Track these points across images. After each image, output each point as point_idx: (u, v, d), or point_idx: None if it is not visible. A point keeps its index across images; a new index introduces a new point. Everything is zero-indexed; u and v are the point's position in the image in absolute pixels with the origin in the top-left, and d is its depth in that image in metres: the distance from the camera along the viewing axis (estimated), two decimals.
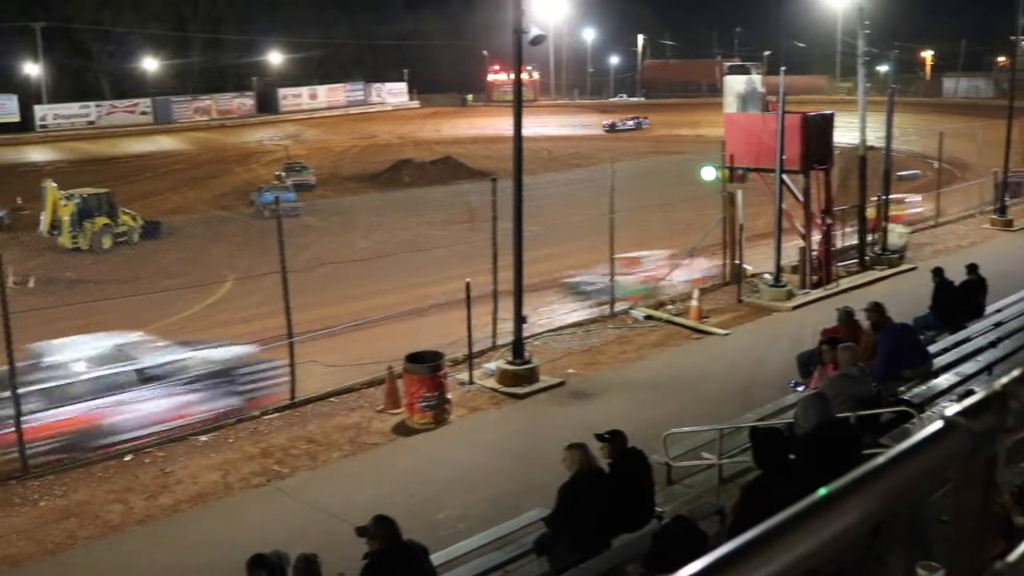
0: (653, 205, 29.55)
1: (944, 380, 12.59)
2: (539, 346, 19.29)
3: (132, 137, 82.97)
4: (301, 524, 12.08)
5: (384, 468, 14.17)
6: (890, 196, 26.60)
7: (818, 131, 22.53)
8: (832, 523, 1.52)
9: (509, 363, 17.44)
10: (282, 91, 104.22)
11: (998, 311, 16.75)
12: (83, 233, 37.05)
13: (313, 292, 21.19)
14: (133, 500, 13.16)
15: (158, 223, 40.13)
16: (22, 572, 11.43)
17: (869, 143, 26.24)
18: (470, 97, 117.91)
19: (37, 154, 73.75)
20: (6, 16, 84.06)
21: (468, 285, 17.40)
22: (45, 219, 37.63)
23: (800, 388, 13.27)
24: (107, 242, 37.35)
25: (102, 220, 37.68)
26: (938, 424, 1.70)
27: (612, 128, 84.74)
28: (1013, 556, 1.86)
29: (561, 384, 17.36)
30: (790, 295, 22.31)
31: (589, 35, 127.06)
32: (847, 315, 14.09)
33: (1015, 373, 1.83)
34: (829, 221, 23.14)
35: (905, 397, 11.66)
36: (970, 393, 2.34)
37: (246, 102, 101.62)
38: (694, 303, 21.29)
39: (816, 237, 23.14)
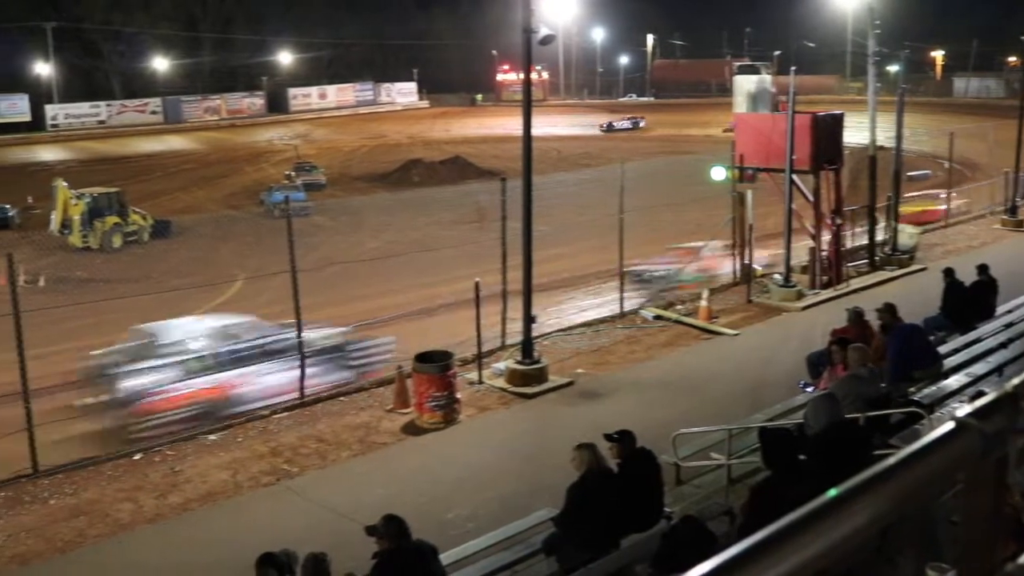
0: (663, 205, 29.53)
1: (954, 381, 12.55)
2: (548, 346, 19.28)
3: (142, 136, 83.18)
4: (310, 523, 12.08)
5: (393, 467, 14.17)
6: (924, 192, 26.67)
7: (828, 131, 22.47)
8: (842, 524, 1.51)
9: (518, 363, 17.43)
10: (292, 91, 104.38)
11: (1008, 312, 16.68)
12: (93, 232, 37.15)
13: (323, 292, 21.23)
14: (143, 498, 13.18)
15: (168, 222, 40.25)
16: (32, 570, 11.46)
17: (879, 143, 26.17)
18: (479, 97, 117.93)
19: (48, 153, 73.98)
20: (17, 16, 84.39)
21: (477, 285, 17.40)
22: (56, 218, 37.75)
23: (809, 389, 13.23)
24: (117, 241, 37.44)
25: (112, 219, 37.78)
26: (949, 425, 1.69)
27: (609, 128, 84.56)
28: None
29: (570, 384, 17.35)
30: (800, 295, 22.26)
31: (599, 35, 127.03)
32: (857, 315, 14.05)
33: None
34: (839, 221, 23.08)
35: (915, 398, 11.62)
36: (981, 394, 2.33)
37: (256, 102, 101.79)
38: (703, 303, 21.26)
39: (826, 237, 23.08)
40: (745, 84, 23.23)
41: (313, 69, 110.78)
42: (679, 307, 22.06)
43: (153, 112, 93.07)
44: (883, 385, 11.49)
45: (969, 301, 16.37)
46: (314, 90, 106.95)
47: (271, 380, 16.44)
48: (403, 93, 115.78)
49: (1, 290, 15.82)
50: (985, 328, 15.51)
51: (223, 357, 16.36)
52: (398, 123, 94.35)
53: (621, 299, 22.04)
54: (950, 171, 35.22)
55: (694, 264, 23.84)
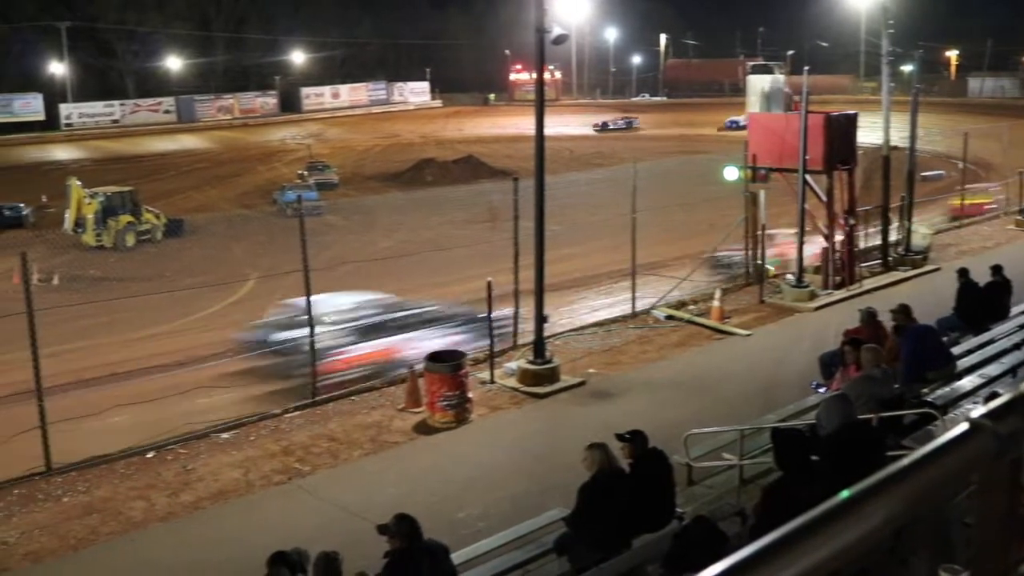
0: (675, 205, 29.50)
1: (968, 382, 12.50)
2: (560, 346, 19.27)
3: (156, 136, 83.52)
4: (322, 522, 12.10)
5: (405, 466, 14.18)
6: (974, 185, 26.73)
7: (841, 131, 22.41)
8: (856, 526, 1.51)
9: (530, 362, 17.42)
10: (305, 90, 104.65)
11: (1023, 313, 16.61)
12: (107, 231, 37.29)
13: (335, 291, 21.22)
14: (155, 497, 13.21)
15: (181, 221, 40.38)
16: (45, 568, 11.50)
17: (893, 143, 26.08)
18: (492, 96, 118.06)
19: (62, 152, 74.31)
20: (32, 16, 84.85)
21: (489, 284, 17.40)
22: (69, 217, 37.90)
23: (822, 389, 13.20)
24: (131, 240, 37.57)
25: (126, 218, 37.92)
26: (964, 426, 1.69)
27: (604, 127, 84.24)
28: None
29: (582, 384, 17.33)
30: (812, 296, 22.21)
31: (611, 34, 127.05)
32: (870, 316, 14.01)
33: None
34: (852, 221, 23.02)
35: (928, 399, 11.58)
36: (995, 395, 2.32)
37: (269, 101, 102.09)
38: (716, 303, 21.23)
39: (839, 237, 23.02)
40: (759, 84, 23.18)
41: (326, 68, 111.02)
42: (691, 307, 22.03)
43: (166, 111, 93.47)
44: (896, 386, 11.45)
45: (983, 302, 16.30)
46: (327, 89, 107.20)
47: (427, 346, 17.56)
48: (416, 92, 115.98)
49: (15, 288, 15.90)
50: (999, 329, 15.44)
51: (381, 325, 18.53)
52: (411, 122, 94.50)
53: (633, 299, 22.02)
54: (964, 171, 35.10)
55: (770, 250, 23.95)
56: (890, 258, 25.11)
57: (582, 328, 20.89)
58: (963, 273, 16.73)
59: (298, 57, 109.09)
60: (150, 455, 14.52)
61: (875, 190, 26.23)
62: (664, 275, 24.58)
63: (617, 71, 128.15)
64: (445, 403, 15.46)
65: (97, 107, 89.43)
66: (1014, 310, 16.70)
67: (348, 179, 55.82)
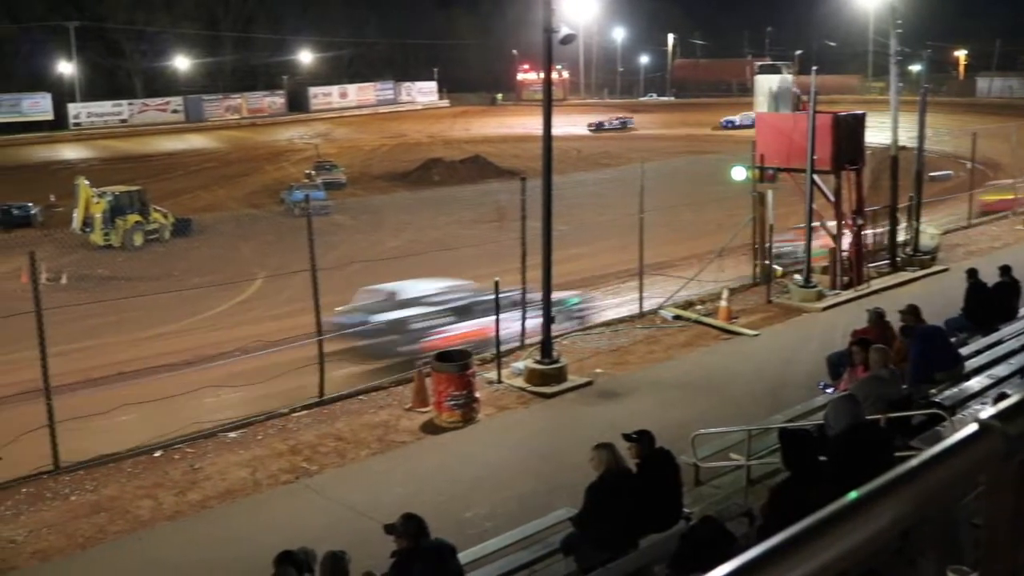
0: (683, 205, 29.47)
1: (976, 383, 12.47)
2: (567, 345, 19.26)
3: (164, 135, 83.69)
4: (329, 521, 12.10)
5: (412, 466, 14.18)
6: (1000, 182, 26.81)
7: (849, 131, 22.37)
8: (864, 526, 1.50)
9: (537, 362, 17.41)
10: (312, 90, 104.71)
11: None
12: (115, 230, 37.38)
13: (343, 290, 21.24)
14: (162, 496, 13.23)
15: (189, 221, 40.45)
16: (53, 566, 11.52)
17: (901, 143, 26.02)
18: (499, 96, 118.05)
19: (70, 152, 74.49)
20: (41, 16, 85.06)
21: (496, 284, 17.41)
22: (78, 216, 37.99)
23: (830, 390, 13.18)
24: (138, 239, 37.66)
25: (134, 217, 38.03)
26: (972, 427, 1.68)
27: (599, 127, 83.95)
28: None
29: (589, 384, 17.32)
30: (820, 296, 22.18)
31: (619, 34, 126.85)
32: (878, 316, 13.98)
33: None
34: (860, 222, 22.98)
35: (936, 400, 11.55)
36: (1004, 396, 2.31)
37: (277, 101, 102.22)
38: (723, 303, 21.20)
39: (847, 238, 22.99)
40: (766, 84, 23.15)
41: (334, 68, 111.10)
42: (698, 307, 22.01)
43: (174, 111, 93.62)
44: (904, 386, 11.43)
45: (991, 302, 16.25)
46: (335, 89, 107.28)
47: (515, 327, 18.94)
48: (423, 92, 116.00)
49: (23, 287, 15.95)
50: (1007, 329, 15.39)
51: (468, 307, 19.88)
52: (418, 122, 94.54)
53: (640, 299, 22.00)
54: (972, 171, 35.02)
55: (816, 240, 24.02)
56: (898, 258, 25.05)
57: (589, 328, 20.88)
58: (972, 273, 16.68)
59: (306, 57, 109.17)
60: (157, 454, 14.55)
61: (883, 190, 26.16)
62: (672, 275, 24.56)
63: (625, 71, 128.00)
64: (452, 403, 15.46)
65: (105, 107, 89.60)
66: (1023, 311, 16.65)
67: (355, 179, 55.89)
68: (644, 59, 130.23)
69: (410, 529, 8.04)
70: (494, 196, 36.43)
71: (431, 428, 15.49)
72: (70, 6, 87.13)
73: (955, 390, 12.13)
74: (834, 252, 22.79)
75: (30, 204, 43.74)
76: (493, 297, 17.82)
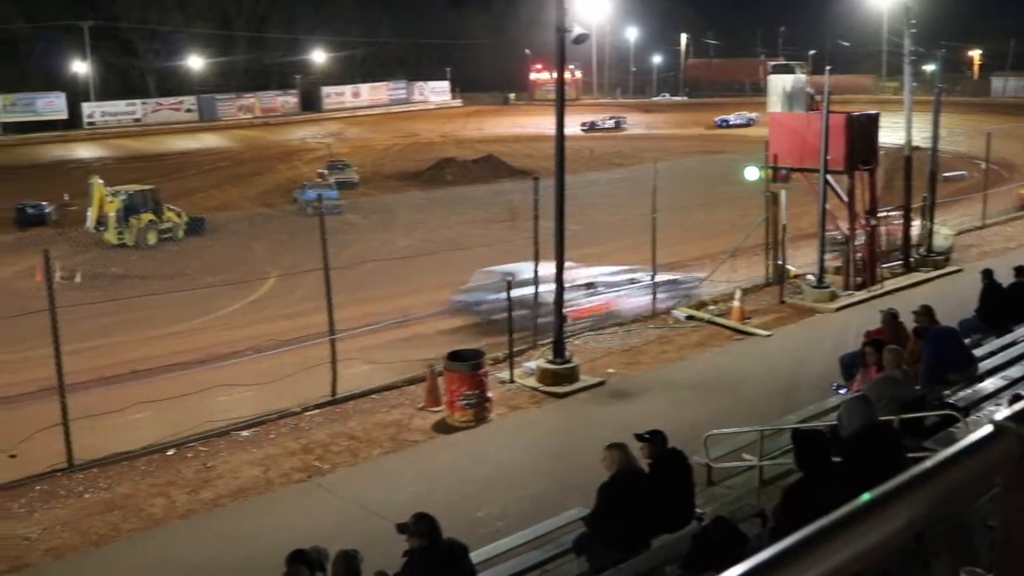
0: (696, 205, 29.43)
1: (990, 384, 12.42)
2: (580, 345, 19.26)
3: (177, 134, 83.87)
4: (341, 520, 12.13)
5: (424, 465, 14.20)
6: None
7: (863, 131, 22.31)
8: (878, 528, 1.50)
9: (550, 362, 17.42)
10: (325, 89, 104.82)
11: None
12: (129, 229, 37.46)
13: (356, 289, 21.30)
14: (175, 494, 13.28)
15: (202, 220, 40.52)
16: (66, 563, 11.57)
17: (915, 143, 25.94)
18: (512, 96, 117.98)
19: (84, 151, 74.73)
20: (55, 15, 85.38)
21: (509, 283, 17.41)
22: (92, 215, 38.08)
23: (842, 390, 13.15)
24: (152, 238, 37.73)
25: (147, 216, 38.09)
26: (987, 429, 1.68)
27: (592, 127, 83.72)
28: None
29: (601, 383, 17.32)
30: (833, 296, 22.12)
31: (632, 34, 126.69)
32: (891, 317, 13.93)
33: None
34: (874, 222, 22.92)
35: (950, 401, 11.50)
36: (1019, 398, 2.31)
37: (290, 100, 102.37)
38: (736, 303, 21.17)
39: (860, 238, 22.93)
40: (779, 83, 23.10)
41: (347, 68, 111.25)
42: (711, 307, 21.98)
43: (188, 110, 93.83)
44: (917, 387, 11.39)
45: (1006, 303, 16.17)
46: (347, 88, 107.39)
47: (634, 301, 21.35)
48: (436, 92, 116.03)
49: (38, 286, 16.02)
50: (1021, 331, 15.32)
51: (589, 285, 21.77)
52: (431, 122, 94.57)
53: (653, 299, 21.99)
54: (987, 171, 34.89)
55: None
56: (912, 259, 24.97)
57: (602, 328, 20.86)
58: (987, 274, 16.60)
59: (319, 56, 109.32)
60: (171, 452, 14.60)
61: (897, 190, 26.10)
62: (624, 288, 24.47)
63: (637, 70, 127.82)
64: (464, 402, 15.48)
65: (119, 106, 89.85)
66: None
67: (368, 178, 55.89)
68: (657, 59, 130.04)
69: (422, 528, 8.05)
70: (507, 196, 36.45)
71: (443, 427, 15.51)
72: (84, 6, 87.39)
73: (969, 391, 12.08)
74: (848, 252, 22.73)
75: (44, 203, 43.84)
76: (604, 275, 20.84)
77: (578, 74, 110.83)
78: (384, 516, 10.71)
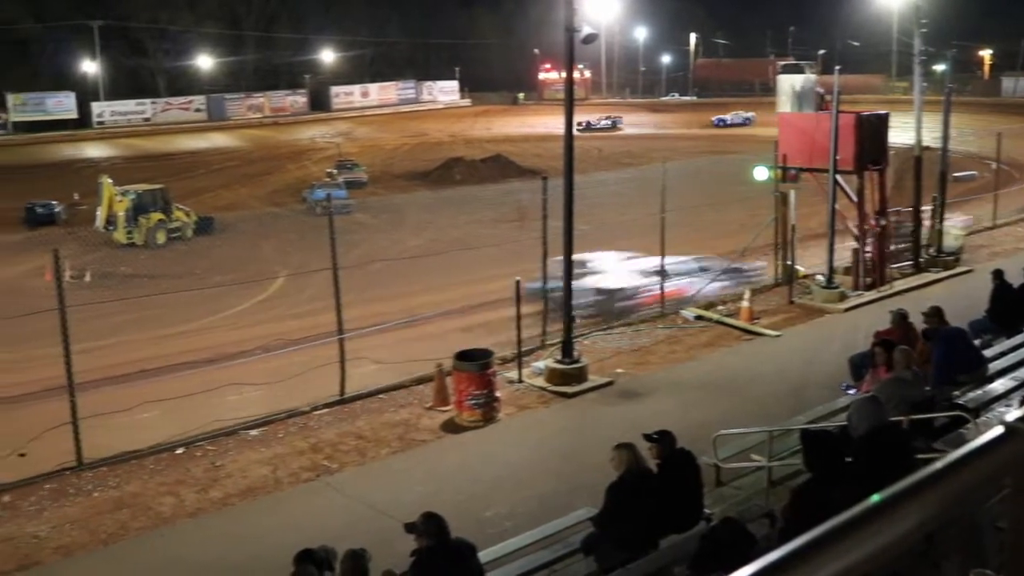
0: (705, 205, 29.39)
1: (1000, 385, 12.38)
2: (588, 345, 19.24)
3: (186, 134, 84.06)
4: (349, 519, 12.13)
5: (432, 465, 14.20)
6: None
7: (872, 131, 22.26)
8: (888, 529, 1.49)
9: (558, 362, 17.40)
10: (334, 89, 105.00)
11: None
12: (138, 228, 37.53)
13: (364, 289, 21.31)
14: (184, 493, 13.30)
15: (211, 219, 40.59)
16: (75, 561, 11.60)
17: (925, 143, 25.88)
18: (521, 95, 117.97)
19: (94, 150, 74.93)
20: (65, 15, 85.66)
21: (518, 284, 17.40)
22: (101, 214, 38.16)
23: (852, 391, 13.12)
24: (161, 237, 37.80)
25: (156, 216, 38.16)
26: (998, 430, 1.66)
27: (588, 127, 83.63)
28: None
29: (610, 383, 17.30)
30: (843, 297, 22.08)
31: (641, 34, 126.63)
32: (901, 318, 13.90)
33: None
34: (883, 222, 22.86)
35: (960, 402, 11.47)
36: None
37: (299, 100, 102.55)
38: (745, 304, 21.14)
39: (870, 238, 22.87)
40: (789, 83, 23.07)
41: (356, 67, 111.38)
42: (720, 308, 21.96)
43: (197, 110, 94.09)
44: (927, 388, 11.36)
45: (1017, 304, 16.12)
46: (356, 88, 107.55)
47: (705, 288, 22.49)
48: (445, 91, 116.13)
49: (48, 285, 16.05)
50: None
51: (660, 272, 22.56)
52: (440, 121, 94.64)
53: (662, 299, 21.97)
54: (997, 172, 34.79)
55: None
56: (921, 259, 24.91)
57: (610, 327, 20.85)
58: (998, 275, 16.54)
59: (328, 56, 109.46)
60: (179, 451, 14.62)
61: (906, 190, 26.05)
62: (694, 275, 24.52)
63: (646, 70, 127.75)
64: (473, 402, 15.48)
65: (129, 105, 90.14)
66: None
67: (377, 178, 55.93)
68: (666, 59, 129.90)
69: (430, 528, 8.05)
70: (515, 195, 36.47)
71: (452, 427, 15.51)
72: (94, 5, 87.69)
73: (979, 392, 12.04)
74: (857, 252, 22.69)
75: (54, 202, 43.97)
76: (676, 264, 22.18)
77: (587, 74, 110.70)
78: (392, 516, 10.71)
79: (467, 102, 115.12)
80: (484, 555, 8.97)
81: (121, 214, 37.65)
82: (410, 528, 8.13)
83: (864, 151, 21.79)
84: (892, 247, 23.72)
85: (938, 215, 25.68)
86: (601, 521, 9.23)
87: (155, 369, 19.25)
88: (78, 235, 35.09)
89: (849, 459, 8.13)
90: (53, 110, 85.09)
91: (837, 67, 23.63)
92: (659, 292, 22.08)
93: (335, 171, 52.42)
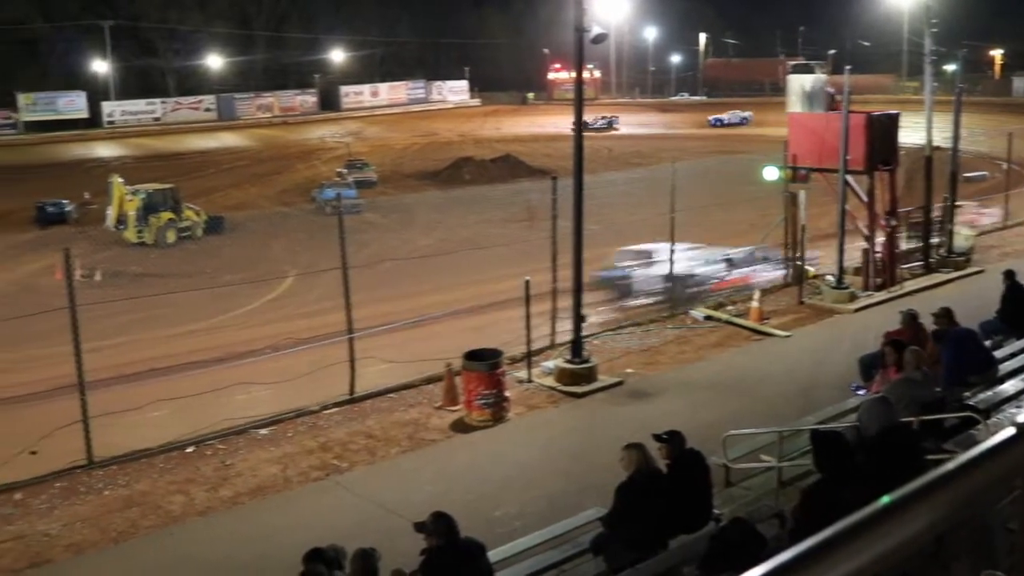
0: (714, 204, 29.37)
1: (1011, 386, 12.33)
2: (598, 345, 19.23)
3: (196, 133, 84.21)
4: (359, 519, 12.14)
5: (442, 464, 14.21)
6: None
7: (883, 131, 22.20)
8: (898, 530, 1.49)
9: (568, 362, 17.39)
10: (344, 88, 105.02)
11: None
12: (148, 228, 37.65)
13: (374, 288, 21.35)
14: (194, 491, 13.33)
15: (221, 218, 40.70)
16: (86, 559, 11.63)
17: (935, 143, 25.81)
18: (531, 95, 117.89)
19: (104, 150, 75.11)
20: (75, 15, 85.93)
21: (527, 283, 17.39)
22: (111, 214, 38.30)
23: (862, 391, 13.09)
24: (171, 237, 37.91)
25: (167, 215, 38.28)
26: (1010, 431, 1.66)
27: (585, 127, 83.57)
28: None
29: (619, 383, 17.29)
30: (853, 297, 22.03)
31: (650, 33, 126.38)
32: (911, 318, 13.85)
33: None
34: (893, 222, 22.81)
35: (970, 403, 11.44)
36: None
37: (308, 99, 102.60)
38: (755, 304, 21.10)
39: (880, 239, 22.81)
40: (799, 83, 23.02)
41: (365, 67, 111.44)
42: (730, 308, 21.92)
43: (207, 109, 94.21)
44: (937, 389, 11.33)
45: None
46: (366, 88, 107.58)
47: (765, 275, 23.64)
48: (455, 91, 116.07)
49: (58, 284, 16.11)
50: None
51: (728, 260, 24.27)
52: (449, 121, 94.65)
53: (672, 299, 21.95)
54: (1008, 172, 34.68)
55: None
56: (932, 260, 24.84)
57: (620, 327, 20.83)
58: (1009, 275, 16.46)
59: (337, 56, 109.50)
60: (189, 450, 14.65)
61: (917, 191, 26.00)
62: (756, 264, 24.67)
63: (656, 70, 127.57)
64: (482, 401, 15.48)
65: (139, 105, 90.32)
66: None
67: (387, 177, 55.99)
68: (676, 58, 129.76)
69: (440, 527, 8.05)
70: (525, 195, 36.46)
71: (461, 427, 15.51)
72: (104, 5, 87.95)
73: (989, 393, 12.00)
74: (867, 253, 22.64)
75: (65, 201, 44.12)
76: (738, 253, 23.78)
77: (597, 73, 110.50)
78: (402, 515, 10.72)
79: (477, 102, 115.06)
80: (493, 555, 8.98)
81: (131, 213, 37.78)
82: (420, 527, 8.14)
83: (874, 151, 21.74)
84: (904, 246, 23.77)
85: (948, 216, 25.62)
86: (610, 521, 9.22)
87: (165, 368, 19.32)
88: (88, 234, 35.25)
89: (859, 460, 8.11)
90: (64, 110, 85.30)
91: (847, 67, 23.58)
92: (726, 280, 23.59)
93: (345, 171, 52.48)
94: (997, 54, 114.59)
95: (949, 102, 27.38)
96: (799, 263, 23.11)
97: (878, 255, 22.73)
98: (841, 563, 1.42)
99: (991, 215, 31.21)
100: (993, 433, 1.72)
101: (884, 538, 1.48)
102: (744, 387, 16.95)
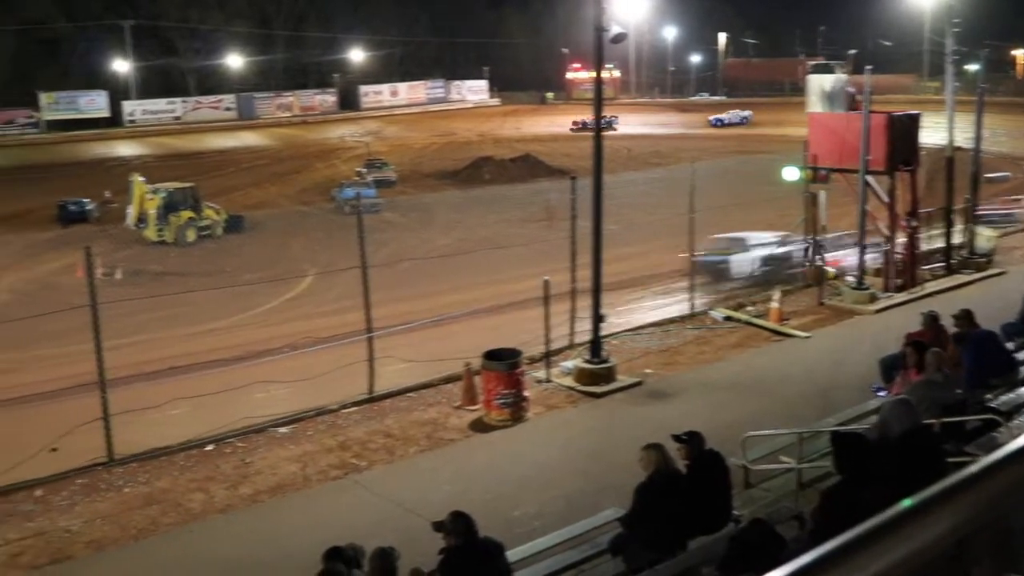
0: (733, 205, 29.30)
1: None
2: (617, 345, 19.20)
3: (216, 132, 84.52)
4: (377, 517, 12.16)
5: (460, 464, 14.21)
6: None
7: (904, 131, 22.11)
8: (920, 534, 1.49)
9: (587, 362, 17.38)
10: (363, 88, 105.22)
11: None
12: (168, 226, 37.81)
13: (393, 288, 21.37)
14: (214, 489, 13.37)
15: (241, 217, 40.84)
16: (107, 556, 11.69)
17: (957, 144, 25.68)
18: (550, 95, 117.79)
19: (125, 148, 75.48)
20: (97, 15, 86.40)
21: (546, 283, 17.38)
22: (132, 212, 38.48)
23: (882, 393, 13.01)
24: (191, 235, 38.06)
25: (187, 214, 38.44)
26: None
27: (583, 127, 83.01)
28: None
29: (638, 384, 17.26)
30: (873, 298, 21.93)
31: (670, 33, 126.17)
32: (932, 319, 13.77)
33: None
34: (914, 223, 22.69)
35: (992, 405, 11.37)
36: None
37: (328, 99, 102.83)
38: (775, 304, 21.03)
39: (901, 239, 22.72)
40: (818, 83, 22.95)
41: (385, 67, 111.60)
42: (750, 308, 21.86)
43: (227, 109, 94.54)
44: (958, 391, 11.26)
45: None
46: (385, 87, 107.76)
47: (852, 259, 23.25)
48: (474, 91, 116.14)
49: (79, 282, 16.20)
50: None
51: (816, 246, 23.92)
52: (468, 120, 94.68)
53: (691, 299, 21.91)
54: None
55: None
56: (953, 261, 24.71)
57: (639, 328, 20.80)
58: None
59: (357, 55, 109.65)
60: (209, 448, 14.70)
61: (938, 191, 25.87)
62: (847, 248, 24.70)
63: (676, 70, 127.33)
64: (501, 401, 15.48)
65: (159, 104, 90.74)
66: None
67: (406, 177, 56.05)
68: (695, 58, 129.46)
69: (458, 527, 8.06)
70: (544, 195, 36.45)
71: (480, 426, 15.52)
72: (125, 5, 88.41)
73: (1011, 395, 11.92)
74: (888, 254, 22.53)
75: (86, 200, 44.38)
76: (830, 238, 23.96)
77: (616, 73, 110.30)
78: (420, 514, 10.74)
79: (496, 101, 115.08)
80: (512, 555, 8.98)
81: (152, 212, 37.96)
82: (438, 527, 8.15)
83: (895, 151, 21.64)
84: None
85: (970, 216, 25.49)
86: (629, 521, 9.21)
87: (185, 366, 19.39)
88: (109, 233, 35.47)
89: (879, 462, 8.07)
90: (85, 109, 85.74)
91: (868, 67, 23.49)
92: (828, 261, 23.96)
93: (364, 170, 52.57)
94: (1019, 54, 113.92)
95: (971, 102, 27.25)
96: (819, 264, 23.02)
97: (898, 256, 22.64)
98: (861, 566, 1.42)
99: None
100: (1015, 435, 1.71)
101: (905, 541, 1.47)
102: (764, 388, 16.90)
